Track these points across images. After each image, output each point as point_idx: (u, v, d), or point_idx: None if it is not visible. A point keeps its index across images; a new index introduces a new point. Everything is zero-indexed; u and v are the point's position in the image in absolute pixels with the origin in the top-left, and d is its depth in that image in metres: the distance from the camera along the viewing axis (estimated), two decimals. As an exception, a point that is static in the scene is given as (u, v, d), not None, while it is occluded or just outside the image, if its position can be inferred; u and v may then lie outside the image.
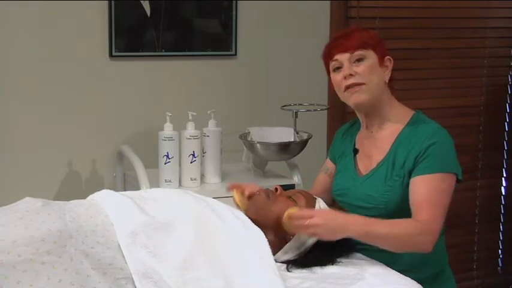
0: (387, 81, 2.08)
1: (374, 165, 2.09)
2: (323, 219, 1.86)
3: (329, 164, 2.29)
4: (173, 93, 2.91)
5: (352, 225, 1.88)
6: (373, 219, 1.91)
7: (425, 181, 1.96)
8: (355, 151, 2.17)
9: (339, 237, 1.88)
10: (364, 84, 2.02)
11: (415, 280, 1.86)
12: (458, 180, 2.02)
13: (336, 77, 2.07)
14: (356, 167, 2.14)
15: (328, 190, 2.25)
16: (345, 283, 1.83)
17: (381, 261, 1.99)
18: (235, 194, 2.05)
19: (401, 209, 2.00)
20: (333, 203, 2.27)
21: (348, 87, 2.04)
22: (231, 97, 3.01)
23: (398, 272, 1.91)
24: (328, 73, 2.13)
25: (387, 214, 2.02)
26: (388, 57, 2.08)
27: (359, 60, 2.03)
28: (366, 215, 2.04)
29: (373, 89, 2.04)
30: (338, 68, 2.06)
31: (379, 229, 1.89)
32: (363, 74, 2.02)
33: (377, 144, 2.11)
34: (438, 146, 1.99)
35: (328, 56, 2.10)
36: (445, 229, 2.13)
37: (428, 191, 1.95)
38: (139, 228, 1.73)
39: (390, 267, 1.95)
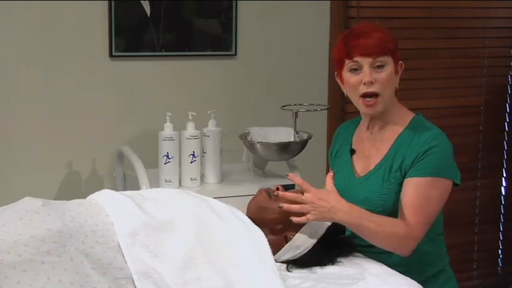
0: (397, 86, 2.05)
1: (372, 166, 2.08)
2: (316, 198, 1.90)
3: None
4: (173, 93, 2.91)
5: (344, 213, 1.90)
6: (366, 212, 1.92)
7: (416, 185, 1.95)
8: (352, 151, 2.16)
9: (327, 219, 1.92)
10: (379, 95, 1.99)
11: (416, 280, 1.86)
12: (456, 185, 2.01)
13: (352, 79, 2.00)
14: (353, 168, 2.13)
15: None
16: (345, 283, 1.83)
17: (381, 262, 1.99)
18: None
19: (396, 212, 1.99)
20: None
21: (364, 95, 1.99)
22: (231, 97, 3.01)
23: (400, 272, 1.91)
24: (338, 67, 2.06)
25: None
26: (400, 62, 2.04)
27: (379, 66, 1.98)
28: None
29: (387, 99, 2.02)
30: (355, 70, 2.00)
31: (362, 222, 1.91)
32: (381, 82, 1.98)
33: (376, 145, 2.10)
34: (435, 151, 1.97)
35: (346, 55, 2.00)
36: (444, 229, 2.13)
37: (418, 197, 1.94)
38: (139, 228, 1.73)
39: (390, 268, 1.95)
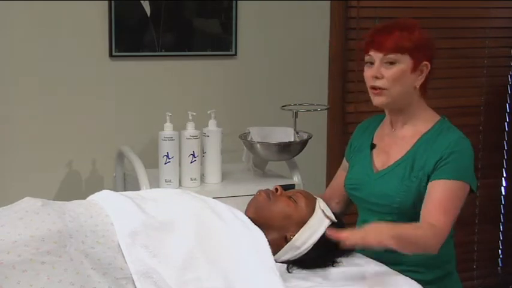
0: (418, 86, 2.05)
1: (391, 162, 2.09)
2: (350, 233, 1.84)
3: (345, 162, 2.29)
4: (173, 93, 2.90)
5: (376, 230, 1.84)
6: (391, 225, 1.90)
7: (443, 186, 1.96)
8: (372, 146, 2.17)
9: (362, 242, 1.82)
10: (386, 89, 2.02)
11: (422, 281, 1.86)
12: (472, 191, 2.03)
13: (366, 72, 2.07)
14: (372, 162, 2.14)
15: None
16: (345, 283, 1.84)
17: (388, 262, 1.99)
18: None
19: (415, 210, 2.00)
20: (348, 202, 2.27)
21: (371, 88, 2.05)
22: (231, 97, 3.01)
23: (406, 272, 1.91)
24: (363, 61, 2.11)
25: (400, 213, 2.03)
26: (425, 62, 2.03)
27: (391, 63, 2.01)
28: (379, 212, 2.04)
29: (395, 95, 2.03)
30: (371, 63, 2.05)
31: (403, 232, 1.86)
32: (388, 79, 2.01)
33: (398, 142, 2.11)
34: (460, 155, 1.99)
35: (365, 47, 2.07)
36: (453, 233, 2.13)
37: (444, 196, 1.95)
38: (139, 228, 1.73)
39: (396, 268, 1.95)
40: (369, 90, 2.07)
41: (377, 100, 2.06)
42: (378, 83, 2.02)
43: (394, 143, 2.12)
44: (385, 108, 2.12)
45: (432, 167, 2.00)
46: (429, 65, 2.05)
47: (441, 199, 1.95)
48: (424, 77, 2.05)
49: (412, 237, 1.88)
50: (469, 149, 2.04)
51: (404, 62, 2.01)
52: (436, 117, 2.12)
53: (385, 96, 2.03)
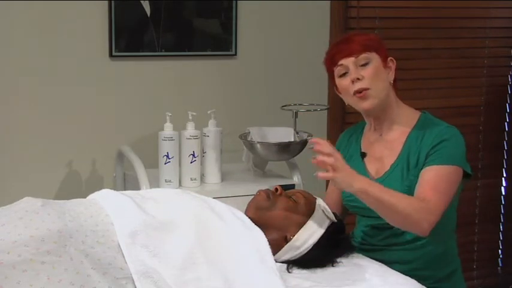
0: (392, 82, 2.09)
1: (387, 167, 2.09)
2: (344, 161, 1.85)
3: None
4: (173, 93, 2.91)
5: (365, 182, 1.86)
6: (383, 187, 1.89)
7: (434, 170, 1.97)
8: (363, 155, 2.16)
9: (347, 185, 1.85)
10: (370, 89, 2.03)
11: (434, 278, 1.86)
12: (467, 175, 2.04)
13: (343, 82, 2.07)
14: (366, 170, 2.13)
15: (340, 200, 2.23)
16: (345, 283, 1.84)
17: (397, 260, 1.99)
18: None
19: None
20: (347, 213, 2.27)
21: (356, 92, 2.04)
22: (231, 97, 3.01)
23: (417, 271, 1.91)
24: (332, 79, 2.13)
25: None
26: (390, 58, 2.09)
27: (364, 64, 2.04)
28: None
29: (380, 92, 2.05)
30: (344, 74, 2.06)
31: (382, 195, 1.86)
32: (369, 77, 2.02)
33: (387, 146, 2.11)
34: (449, 142, 2.01)
35: (331, 62, 2.09)
36: (455, 229, 2.13)
37: (436, 178, 1.95)
38: (139, 228, 1.73)
39: (407, 266, 1.96)
40: (352, 99, 2.07)
41: (365, 104, 2.05)
42: (361, 84, 2.03)
43: (385, 148, 2.12)
44: (371, 112, 2.10)
45: (424, 159, 2.01)
46: (394, 61, 2.10)
47: (432, 181, 1.95)
48: (394, 72, 2.09)
49: (394, 207, 1.86)
50: (458, 135, 2.05)
51: (375, 59, 2.05)
52: (417, 114, 2.13)
53: (371, 97, 2.04)
